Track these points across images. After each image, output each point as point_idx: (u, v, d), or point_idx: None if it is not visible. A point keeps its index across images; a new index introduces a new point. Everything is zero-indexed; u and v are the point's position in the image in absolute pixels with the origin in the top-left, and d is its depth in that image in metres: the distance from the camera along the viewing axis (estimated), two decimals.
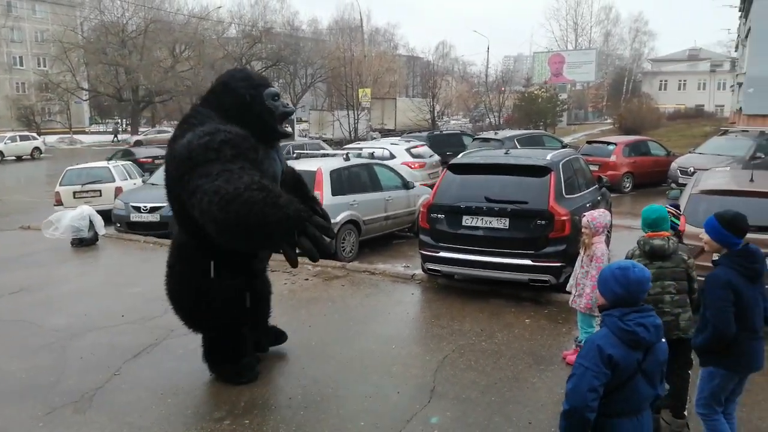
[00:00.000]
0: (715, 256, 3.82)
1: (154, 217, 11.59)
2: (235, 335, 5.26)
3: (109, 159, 18.42)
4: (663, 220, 4.33)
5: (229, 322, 5.14)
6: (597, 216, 5.42)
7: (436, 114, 38.29)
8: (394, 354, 5.87)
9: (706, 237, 3.82)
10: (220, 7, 53.69)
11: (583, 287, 5.38)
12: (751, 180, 6.77)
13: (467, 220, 7.40)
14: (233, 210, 3.85)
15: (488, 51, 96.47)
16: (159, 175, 13.22)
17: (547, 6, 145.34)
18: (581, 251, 5.51)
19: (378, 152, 15.83)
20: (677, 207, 5.10)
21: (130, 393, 5.11)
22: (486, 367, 5.53)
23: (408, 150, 17.14)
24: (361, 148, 15.24)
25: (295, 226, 3.88)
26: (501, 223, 7.18)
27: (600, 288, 2.97)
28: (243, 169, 4.15)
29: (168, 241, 10.69)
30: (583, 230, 5.45)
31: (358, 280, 8.39)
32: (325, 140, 29.24)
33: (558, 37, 69.49)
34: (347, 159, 10.61)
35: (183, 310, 5.30)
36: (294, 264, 4.07)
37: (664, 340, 2.94)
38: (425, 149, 17.74)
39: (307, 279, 8.48)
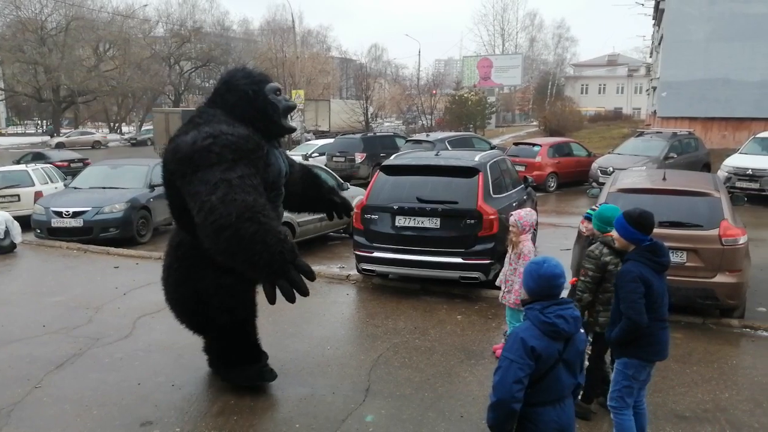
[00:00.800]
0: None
1: (78, 222, 11.11)
2: (244, 336, 5.16)
3: (17, 162, 17.47)
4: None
5: (235, 323, 5.02)
6: (524, 215, 5.63)
7: (369, 116, 38.46)
8: (329, 355, 5.89)
9: (615, 234, 4.02)
10: (146, 5, 52.07)
11: (512, 284, 5.57)
12: (664, 179, 7.20)
13: (400, 221, 7.51)
14: (224, 238, 3.89)
15: (419, 54, 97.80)
16: (83, 179, 12.69)
17: (475, 11, 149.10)
18: (509, 249, 5.71)
19: None
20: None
21: (53, 406, 4.90)
22: (420, 363, 5.64)
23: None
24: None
25: (278, 268, 3.91)
26: (432, 223, 7.34)
27: (522, 282, 3.14)
28: (242, 178, 4.13)
29: (95, 248, 10.41)
30: (510, 228, 5.65)
31: None
32: None
33: (486, 41, 71.36)
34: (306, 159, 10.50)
35: (185, 314, 5.12)
36: (271, 301, 4.07)
37: (582, 330, 3.13)
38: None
39: None
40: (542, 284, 2.97)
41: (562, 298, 3.03)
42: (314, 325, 6.72)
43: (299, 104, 34.17)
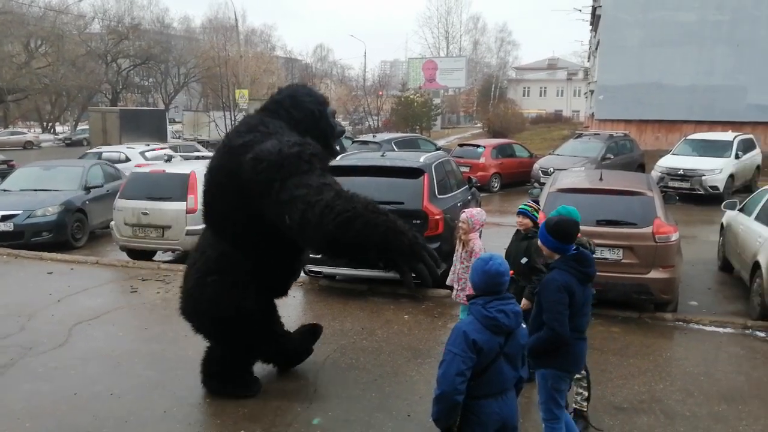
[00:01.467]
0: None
1: (7, 227, 10.56)
2: (250, 353, 5.10)
3: None
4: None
5: (257, 338, 4.99)
6: (476, 213, 5.70)
7: None
8: None
9: (540, 243, 3.91)
10: (80, 1, 49.98)
11: (465, 281, 5.63)
12: (601, 179, 7.45)
13: None
14: (354, 229, 3.78)
15: (365, 55, 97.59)
16: (13, 181, 12.07)
17: (420, 14, 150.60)
18: (459, 247, 5.75)
19: (114, 155, 16.54)
20: (537, 201, 5.49)
21: None
22: (367, 364, 5.64)
23: (142, 153, 17.10)
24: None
25: (418, 251, 3.83)
26: None
27: (470, 278, 3.25)
28: (338, 185, 4.14)
29: (28, 253, 9.92)
30: (460, 225, 5.68)
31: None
32: (200, 142, 28.19)
33: (431, 44, 72.05)
34: None
35: (210, 324, 4.92)
36: (410, 286, 3.99)
37: (524, 326, 3.23)
38: (164, 152, 17.36)
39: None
40: (487, 281, 3.08)
41: (506, 293, 3.12)
42: None
43: (243, 104, 33.65)
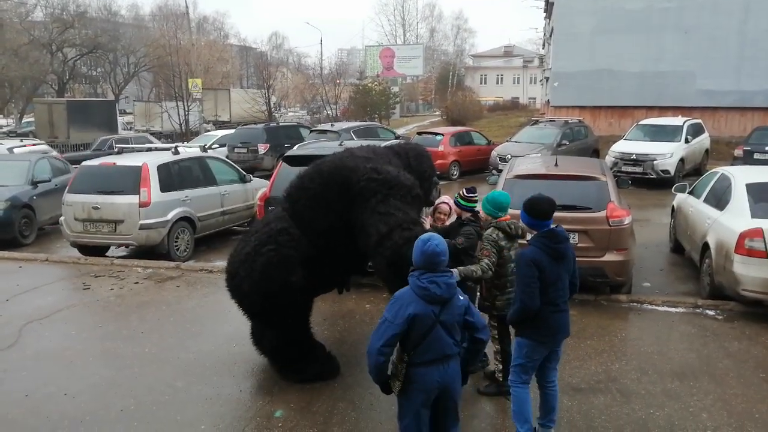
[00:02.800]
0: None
1: None
2: (304, 329, 5.17)
3: None
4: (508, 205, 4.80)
5: (299, 316, 5.07)
6: (446, 200, 5.66)
7: (272, 105, 37.70)
8: (236, 352, 5.73)
9: (521, 222, 4.22)
10: None
11: None
12: (556, 165, 7.57)
13: None
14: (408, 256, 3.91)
15: (322, 43, 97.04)
16: None
17: (377, 1, 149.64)
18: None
19: None
20: (472, 190, 5.42)
21: None
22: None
23: (10, 150, 16.28)
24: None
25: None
26: None
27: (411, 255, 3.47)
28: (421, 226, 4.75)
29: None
30: (440, 215, 5.59)
31: (194, 280, 8.04)
32: (153, 134, 27.46)
33: (387, 32, 71.92)
34: (176, 153, 10.08)
35: (260, 294, 4.77)
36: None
37: (462, 297, 3.43)
38: (38, 148, 16.28)
39: (137, 282, 7.95)
40: (425, 259, 3.33)
41: (441, 269, 3.35)
42: (219, 323, 6.51)
43: (196, 93, 32.91)
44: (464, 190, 5.32)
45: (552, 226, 4.06)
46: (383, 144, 6.12)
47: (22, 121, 46.29)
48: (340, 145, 8.67)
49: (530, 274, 3.86)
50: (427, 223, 5.57)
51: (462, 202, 5.22)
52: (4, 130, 45.65)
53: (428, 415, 3.40)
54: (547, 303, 3.94)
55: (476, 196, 5.24)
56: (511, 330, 4.67)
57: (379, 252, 4.46)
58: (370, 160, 5.02)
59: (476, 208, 5.15)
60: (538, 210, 4.02)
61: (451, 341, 3.34)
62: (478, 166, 18.70)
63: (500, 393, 4.80)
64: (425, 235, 3.47)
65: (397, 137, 18.37)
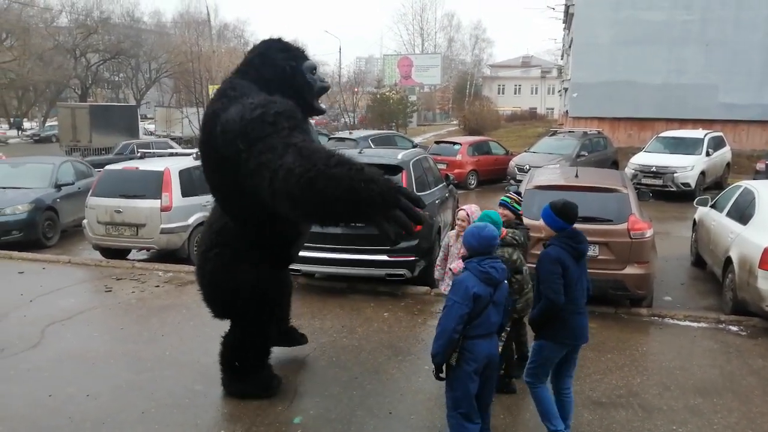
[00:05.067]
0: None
1: None
2: (264, 335, 4.92)
3: None
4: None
5: (263, 316, 4.81)
6: (475, 210, 5.63)
7: None
8: None
9: (542, 223, 4.27)
10: None
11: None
12: (576, 176, 7.53)
13: None
14: (318, 188, 3.50)
15: (340, 51, 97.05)
16: None
17: (395, 10, 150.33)
18: (455, 243, 5.61)
19: None
20: (519, 194, 5.49)
21: None
22: (347, 362, 5.62)
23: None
24: None
25: (391, 197, 3.51)
26: None
27: (463, 243, 3.94)
28: (305, 142, 3.81)
29: None
30: (459, 223, 5.59)
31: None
32: (173, 139, 27.78)
33: (406, 41, 71.99)
34: (197, 158, 10.17)
35: (216, 300, 4.83)
36: (392, 236, 3.59)
37: (506, 281, 3.92)
38: None
39: (157, 286, 8.03)
40: (483, 243, 3.79)
41: (495, 255, 3.87)
42: None
43: None
44: (512, 192, 5.41)
45: None
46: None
47: (45, 125, 47.07)
48: (360, 153, 8.72)
49: (555, 270, 3.98)
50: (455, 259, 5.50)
51: (517, 206, 5.28)
52: (28, 133, 46.52)
53: (476, 387, 3.79)
54: (569, 302, 4.03)
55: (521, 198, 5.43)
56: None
57: (282, 211, 3.89)
58: (216, 115, 4.27)
59: (520, 211, 5.30)
60: (570, 213, 4.14)
61: (497, 320, 3.82)
62: (496, 176, 18.67)
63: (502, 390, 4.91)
64: (480, 223, 3.95)
65: (415, 145, 18.41)
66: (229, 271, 4.63)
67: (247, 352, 4.91)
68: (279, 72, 4.56)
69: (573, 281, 4.04)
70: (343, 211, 3.60)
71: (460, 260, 5.40)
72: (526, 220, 6.20)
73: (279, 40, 4.78)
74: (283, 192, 3.66)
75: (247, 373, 4.93)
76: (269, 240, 4.75)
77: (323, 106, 5.05)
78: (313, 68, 4.73)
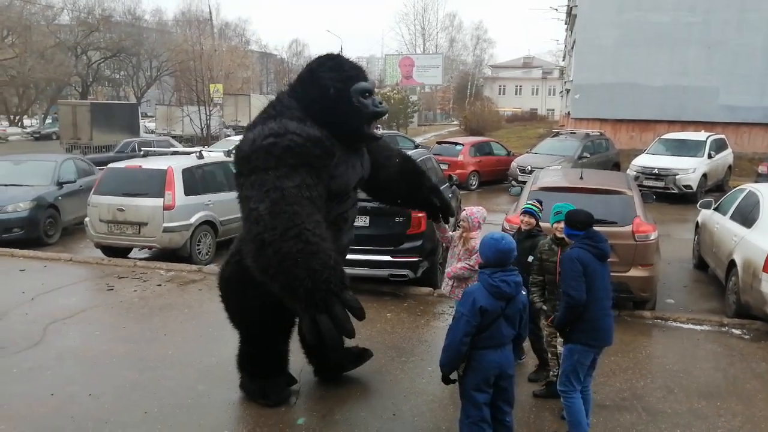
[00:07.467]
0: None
1: None
2: (273, 348, 4.74)
3: None
4: None
5: (272, 331, 4.63)
6: (475, 212, 5.55)
7: None
8: None
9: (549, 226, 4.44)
10: None
11: (463, 279, 5.53)
12: (581, 178, 7.51)
13: None
14: (264, 257, 3.46)
15: (341, 51, 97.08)
16: None
17: (397, 10, 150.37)
18: (458, 245, 5.60)
19: None
20: (540, 202, 5.47)
21: None
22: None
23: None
24: None
25: (320, 300, 3.34)
26: (362, 221, 7.30)
27: (479, 252, 3.90)
28: (299, 188, 3.66)
29: None
30: (461, 223, 5.58)
31: (215, 284, 8.01)
32: (174, 137, 27.75)
33: (407, 41, 71.83)
34: (201, 157, 10.17)
35: (228, 308, 4.76)
36: (312, 340, 3.46)
37: (524, 292, 3.82)
38: None
39: (159, 284, 8.01)
40: (499, 255, 3.70)
41: (510, 267, 3.73)
42: None
43: (218, 98, 33.18)
44: (536, 200, 5.48)
45: None
46: None
47: (46, 122, 47.05)
48: None
49: (575, 268, 4.02)
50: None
51: (539, 214, 5.31)
52: (29, 130, 46.48)
53: (488, 399, 3.75)
54: (594, 302, 4.04)
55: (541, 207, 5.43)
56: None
57: (252, 267, 3.72)
58: (247, 130, 4.19)
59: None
60: (574, 220, 4.26)
61: (510, 332, 3.74)
62: (497, 176, 18.66)
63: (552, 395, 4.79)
64: (497, 234, 3.81)
65: (417, 146, 18.40)
66: (242, 282, 4.40)
67: (255, 361, 4.82)
68: (323, 92, 4.19)
69: (596, 281, 4.06)
70: (279, 289, 3.50)
71: (458, 265, 5.38)
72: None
73: (333, 57, 4.45)
74: (245, 239, 3.71)
75: (257, 377, 4.84)
76: None
77: (377, 131, 4.61)
78: (365, 91, 4.26)
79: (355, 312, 3.45)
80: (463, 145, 18.90)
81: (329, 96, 4.16)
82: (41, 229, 10.70)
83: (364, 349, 5.47)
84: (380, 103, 4.37)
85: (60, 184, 11.33)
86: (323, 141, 3.99)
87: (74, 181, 11.66)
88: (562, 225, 4.49)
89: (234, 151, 4.18)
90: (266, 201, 3.57)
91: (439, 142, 21.22)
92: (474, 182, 18.26)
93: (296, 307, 3.43)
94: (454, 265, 5.38)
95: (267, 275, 3.51)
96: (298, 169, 3.75)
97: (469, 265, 5.18)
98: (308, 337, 3.41)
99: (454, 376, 3.81)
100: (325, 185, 3.99)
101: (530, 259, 5.04)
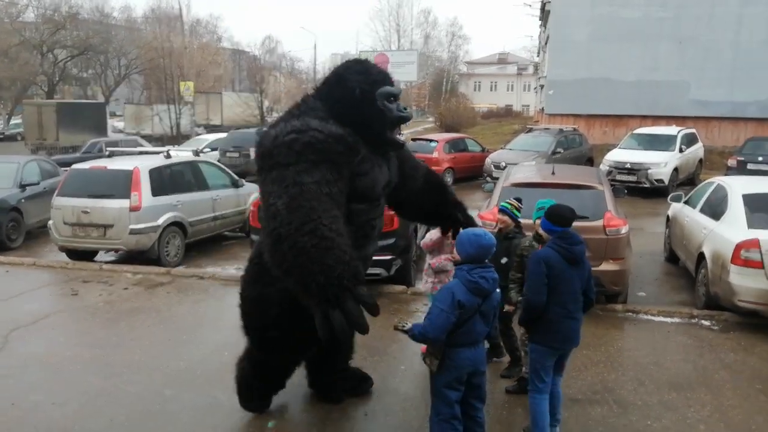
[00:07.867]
0: None
1: None
2: (283, 366, 4.55)
3: None
4: None
5: (277, 344, 4.33)
6: None
7: (265, 110, 37.60)
8: (227, 361, 5.55)
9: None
10: None
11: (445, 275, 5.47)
12: (553, 173, 7.53)
13: None
14: (280, 252, 3.41)
15: (315, 48, 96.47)
16: None
17: (371, 6, 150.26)
18: (450, 240, 5.50)
19: None
20: (519, 200, 5.40)
21: None
22: None
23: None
24: None
25: (333, 295, 3.27)
26: None
27: (457, 248, 3.79)
28: (318, 184, 3.61)
29: None
30: None
31: (185, 286, 7.92)
32: (143, 137, 27.27)
33: (382, 37, 71.69)
34: (168, 157, 9.97)
35: (242, 315, 4.55)
36: (324, 335, 3.31)
37: (498, 290, 3.77)
38: None
39: (126, 288, 7.82)
40: (481, 252, 3.65)
41: (487, 263, 3.70)
42: (210, 331, 6.40)
43: (189, 97, 32.73)
44: (514, 199, 5.31)
45: None
46: None
47: (10, 123, 45.90)
48: None
49: (537, 270, 3.96)
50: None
51: (516, 212, 5.20)
52: None
53: (460, 397, 3.73)
54: (557, 305, 3.96)
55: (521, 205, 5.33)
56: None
57: (269, 263, 3.67)
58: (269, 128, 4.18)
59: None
60: (554, 215, 4.16)
61: (483, 329, 3.73)
62: (472, 173, 18.68)
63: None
64: (478, 230, 3.81)
65: None
66: (258, 280, 4.24)
67: (264, 367, 4.57)
68: (348, 93, 4.17)
69: (561, 284, 3.96)
70: (293, 284, 3.44)
71: (441, 257, 5.35)
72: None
73: (361, 61, 4.44)
74: (266, 229, 3.61)
75: (258, 379, 4.64)
76: None
77: (401, 137, 4.55)
78: (391, 95, 4.23)
79: (368, 308, 3.37)
80: (437, 142, 18.90)
81: (354, 97, 4.15)
82: (3, 232, 10.40)
83: (365, 375, 5.21)
84: (404, 109, 4.37)
85: (23, 187, 11.01)
86: (345, 138, 3.95)
87: (38, 183, 11.34)
88: (501, 217, 4.57)
89: (255, 147, 4.10)
90: (284, 196, 3.56)
91: (414, 139, 21.16)
92: (449, 179, 18.25)
93: (310, 303, 3.38)
94: (438, 257, 5.34)
95: (282, 270, 3.48)
96: (318, 165, 3.73)
97: (452, 256, 5.11)
98: (320, 333, 3.33)
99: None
100: (348, 183, 3.94)
101: (504, 261, 4.98)
